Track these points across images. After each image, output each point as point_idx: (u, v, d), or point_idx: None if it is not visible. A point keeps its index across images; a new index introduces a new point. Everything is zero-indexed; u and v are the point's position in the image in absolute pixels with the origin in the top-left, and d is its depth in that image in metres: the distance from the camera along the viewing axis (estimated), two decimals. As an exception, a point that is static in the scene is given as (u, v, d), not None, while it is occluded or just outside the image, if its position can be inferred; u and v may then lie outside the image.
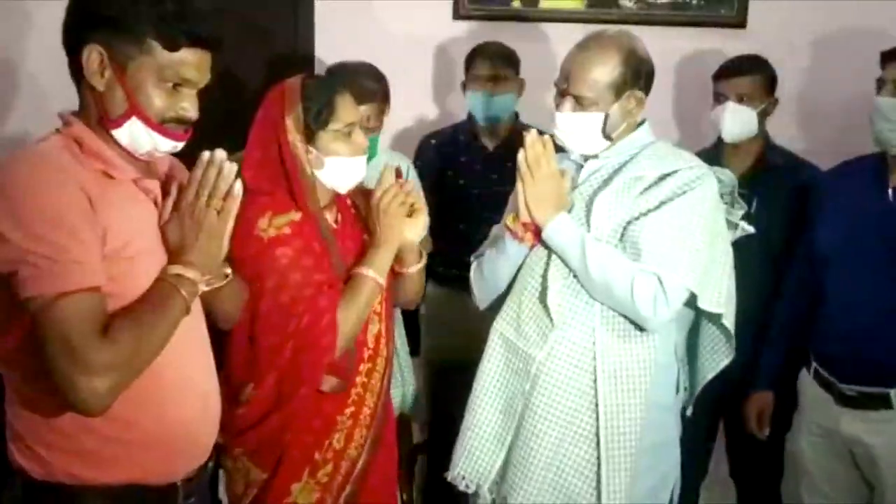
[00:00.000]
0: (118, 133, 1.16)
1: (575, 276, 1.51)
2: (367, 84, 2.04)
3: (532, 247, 1.57)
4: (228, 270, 1.31)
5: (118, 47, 1.13)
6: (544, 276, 1.54)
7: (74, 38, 1.14)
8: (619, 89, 1.52)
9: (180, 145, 1.21)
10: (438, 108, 2.64)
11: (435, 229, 2.24)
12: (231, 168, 1.17)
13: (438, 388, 2.36)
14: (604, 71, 1.51)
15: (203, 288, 1.21)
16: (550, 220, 1.51)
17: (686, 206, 1.48)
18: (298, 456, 1.49)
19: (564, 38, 2.48)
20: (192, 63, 1.15)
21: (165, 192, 1.22)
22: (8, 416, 1.19)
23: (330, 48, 2.55)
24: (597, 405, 1.50)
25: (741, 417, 2.08)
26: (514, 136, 2.32)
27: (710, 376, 1.65)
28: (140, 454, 1.17)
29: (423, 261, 1.65)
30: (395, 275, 1.61)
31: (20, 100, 2.52)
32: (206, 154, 1.17)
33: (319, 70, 2.52)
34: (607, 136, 1.55)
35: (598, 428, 1.50)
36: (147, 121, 1.15)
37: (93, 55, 1.13)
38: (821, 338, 1.86)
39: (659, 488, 1.60)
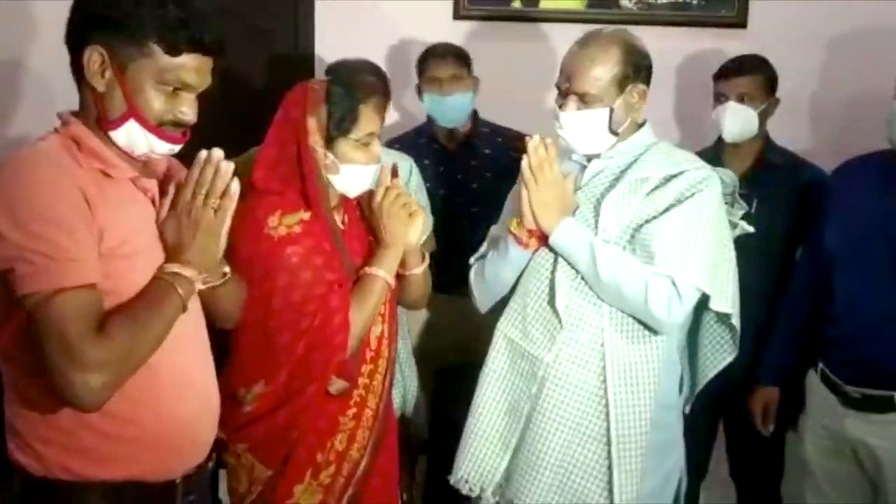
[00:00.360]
0: (115, 134, 1.17)
1: (583, 278, 1.51)
2: (366, 85, 2.03)
3: (536, 251, 1.57)
4: (227, 269, 1.31)
5: (119, 49, 1.13)
6: (552, 278, 1.54)
7: (77, 38, 1.15)
8: (621, 84, 1.52)
9: (177, 148, 1.21)
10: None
11: None
12: (228, 167, 1.17)
13: (434, 389, 2.36)
14: (606, 67, 1.52)
15: (200, 286, 1.21)
16: (557, 226, 1.50)
17: (695, 208, 1.49)
18: (302, 456, 1.49)
19: (565, 38, 2.47)
20: (193, 68, 1.16)
21: (163, 191, 1.22)
22: (7, 414, 1.19)
23: (330, 48, 2.55)
24: (606, 406, 1.50)
25: (744, 414, 2.08)
26: (474, 135, 2.34)
27: (711, 375, 1.65)
28: (138, 451, 1.18)
29: (426, 262, 1.65)
30: (398, 277, 1.61)
31: (26, 100, 2.52)
32: (203, 153, 1.17)
33: (320, 70, 2.53)
34: (613, 132, 1.55)
35: (608, 429, 1.50)
36: (144, 123, 1.15)
37: (94, 56, 1.13)
38: (828, 339, 1.85)
39: (663, 486, 1.60)
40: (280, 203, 1.47)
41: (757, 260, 1.84)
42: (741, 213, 1.60)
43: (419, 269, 1.63)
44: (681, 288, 1.46)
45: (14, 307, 1.08)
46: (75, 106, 1.21)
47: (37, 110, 2.39)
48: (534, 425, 1.54)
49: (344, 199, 1.58)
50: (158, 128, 1.16)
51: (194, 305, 1.24)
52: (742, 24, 2.52)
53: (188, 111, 1.17)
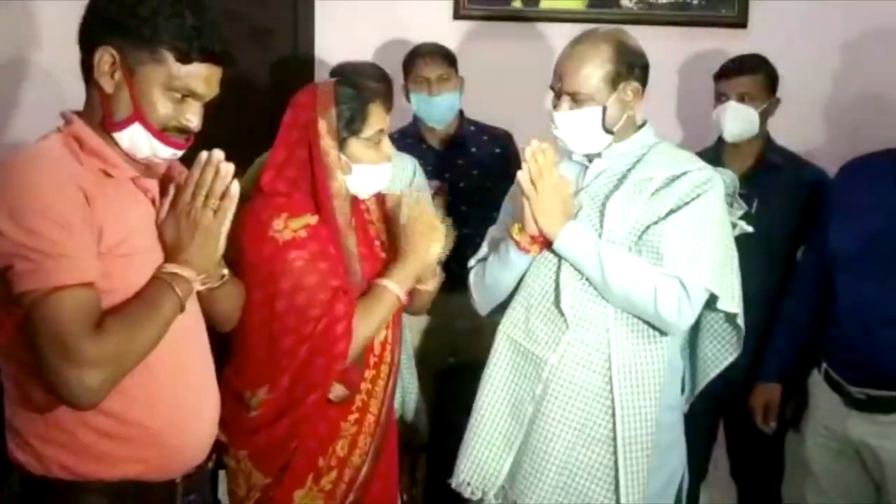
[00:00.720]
0: (119, 136, 1.17)
1: (590, 281, 1.51)
2: (372, 84, 2.04)
3: (538, 254, 1.57)
4: (225, 271, 1.31)
5: (131, 52, 1.14)
6: (556, 279, 1.53)
7: (89, 38, 1.16)
8: (613, 81, 1.52)
9: (179, 154, 1.22)
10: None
11: None
12: (228, 168, 1.17)
13: (435, 391, 2.36)
14: (595, 64, 1.51)
15: (198, 287, 1.21)
16: (561, 232, 1.49)
17: (701, 210, 1.48)
18: (303, 462, 1.48)
19: (565, 38, 2.47)
20: (202, 77, 1.17)
21: (163, 191, 1.22)
22: (6, 412, 1.20)
23: (330, 49, 2.55)
24: (612, 408, 1.49)
25: (744, 414, 2.07)
26: (460, 134, 2.35)
27: (713, 374, 1.65)
28: (138, 450, 1.18)
29: (439, 277, 1.64)
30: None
31: (29, 100, 2.52)
32: (203, 154, 1.17)
33: (320, 70, 2.53)
34: (608, 131, 1.55)
35: (613, 431, 1.49)
36: (149, 127, 1.16)
37: (105, 56, 1.14)
38: (832, 339, 1.84)
39: (666, 486, 1.60)
40: (286, 206, 1.46)
41: (757, 260, 1.83)
42: (740, 213, 1.60)
43: (431, 286, 1.62)
44: (690, 289, 1.46)
45: (12, 305, 1.09)
46: (69, 106, 1.21)
47: (38, 110, 2.41)
48: (537, 427, 1.53)
49: (352, 203, 1.55)
50: (162, 133, 1.17)
51: (193, 306, 1.24)
52: (743, 23, 2.53)
53: (193, 118, 1.18)
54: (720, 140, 2.19)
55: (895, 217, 1.74)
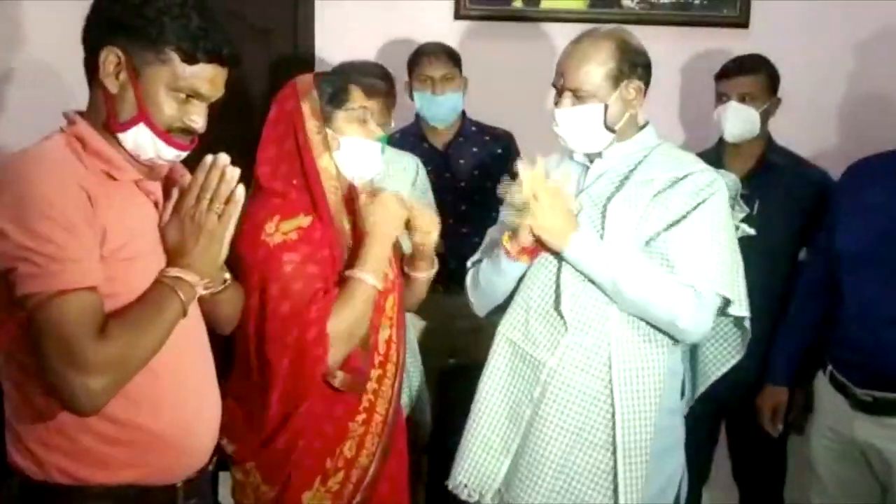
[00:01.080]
0: (124, 136, 1.16)
1: (600, 288, 1.50)
2: (375, 81, 2.04)
3: (530, 264, 1.55)
4: (227, 275, 1.30)
5: (137, 53, 1.13)
6: (557, 281, 1.52)
7: (95, 38, 1.15)
8: (615, 79, 1.51)
9: (183, 155, 1.21)
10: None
11: None
12: (234, 172, 1.16)
13: (436, 391, 2.35)
14: (598, 61, 1.51)
15: (201, 292, 1.20)
16: (569, 242, 1.47)
17: (708, 215, 1.48)
18: (310, 464, 1.47)
19: (566, 38, 2.46)
20: (208, 78, 1.16)
21: (167, 194, 1.22)
22: (7, 416, 1.19)
23: (330, 48, 2.54)
24: (611, 412, 1.48)
25: (747, 416, 2.07)
26: (462, 134, 2.34)
27: (714, 377, 1.64)
28: (139, 455, 1.17)
29: (435, 268, 1.62)
30: (405, 277, 1.59)
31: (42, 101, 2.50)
32: (209, 157, 1.16)
33: (320, 70, 2.52)
34: (609, 129, 1.54)
35: (612, 435, 1.48)
36: (153, 127, 1.15)
37: (110, 56, 1.13)
38: (837, 340, 1.83)
39: (664, 489, 1.59)
40: (280, 208, 1.45)
41: (759, 261, 1.81)
42: (742, 216, 1.59)
43: (426, 274, 1.60)
44: (704, 297, 1.46)
45: (14, 307, 1.08)
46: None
47: (37, 110, 2.39)
48: (535, 430, 1.52)
49: (348, 203, 1.54)
50: (167, 133, 1.16)
51: (194, 310, 1.24)
52: (744, 23, 2.52)
53: (198, 119, 1.17)
54: (721, 141, 2.18)
55: None
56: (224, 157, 1.16)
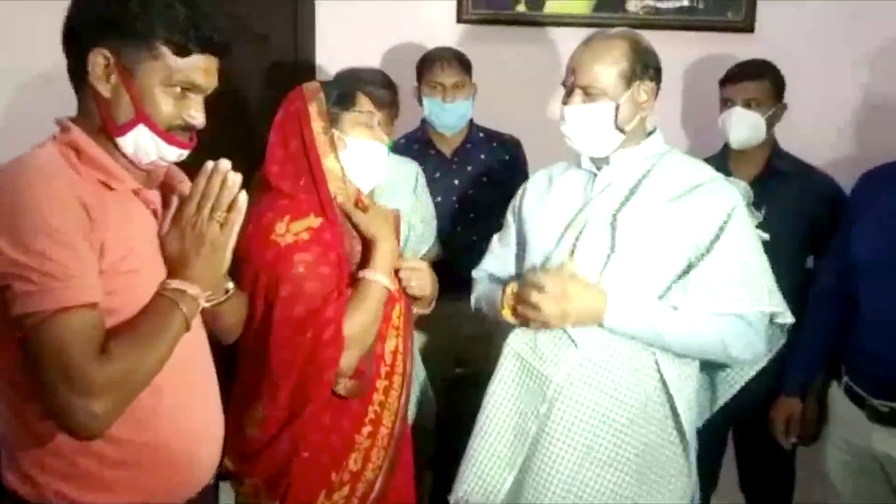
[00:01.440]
0: (123, 141, 1.12)
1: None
2: (379, 91, 2.01)
3: None
4: (231, 285, 1.27)
5: (126, 51, 1.09)
6: None
7: (79, 41, 1.10)
8: (627, 78, 1.48)
9: (185, 153, 1.17)
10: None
11: None
12: (236, 178, 1.12)
13: (441, 402, 2.32)
14: (610, 60, 1.48)
15: (204, 304, 1.16)
16: (604, 320, 1.43)
17: (738, 234, 1.46)
18: (315, 477, 1.43)
19: (570, 42, 2.45)
20: (202, 68, 1.12)
21: (165, 202, 1.18)
22: (2, 436, 1.14)
23: (331, 54, 2.51)
24: (620, 430, 1.45)
25: (755, 426, 2.04)
26: (469, 140, 2.32)
27: (739, 385, 1.60)
28: (140, 476, 1.13)
29: (433, 306, 1.61)
30: (413, 298, 1.57)
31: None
32: (209, 164, 1.13)
33: (321, 76, 2.49)
34: (620, 129, 1.50)
35: (621, 453, 1.45)
36: (154, 127, 1.11)
37: (99, 59, 1.09)
38: (853, 350, 1.79)
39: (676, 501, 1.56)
40: (289, 208, 1.43)
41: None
42: (755, 223, 1.56)
43: (424, 311, 1.59)
44: (754, 322, 1.45)
45: (10, 326, 1.03)
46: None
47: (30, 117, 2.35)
48: (541, 447, 1.49)
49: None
50: (168, 132, 1.12)
51: (196, 322, 1.20)
52: (749, 28, 2.49)
53: (197, 114, 1.13)
54: (726, 146, 2.16)
55: None
56: (225, 163, 1.12)
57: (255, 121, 2.21)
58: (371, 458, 1.48)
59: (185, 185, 1.21)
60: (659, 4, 2.53)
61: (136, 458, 1.12)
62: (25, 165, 1.08)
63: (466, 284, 1.73)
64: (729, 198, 1.49)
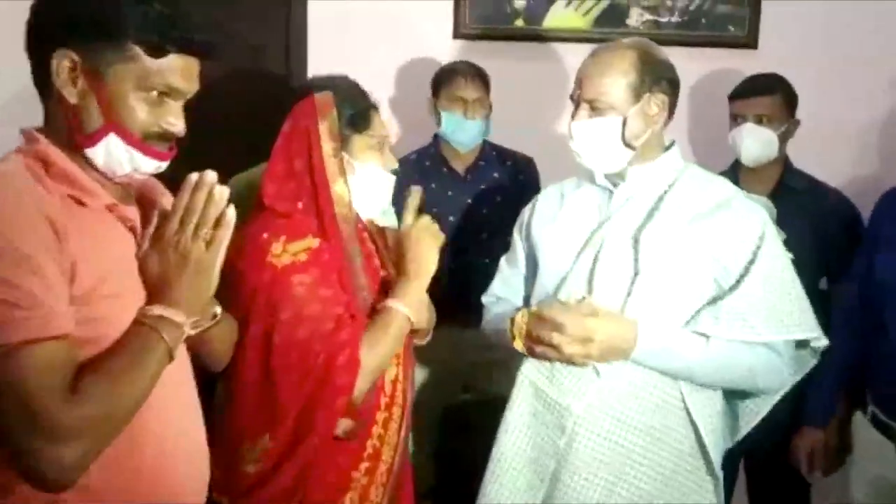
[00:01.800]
0: (93, 152, 1.01)
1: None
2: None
3: None
4: (218, 309, 1.15)
5: (94, 53, 0.98)
6: None
7: (41, 43, 1.00)
8: (636, 91, 1.40)
9: (164, 165, 1.06)
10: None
11: None
12: (222, 192, 1.01)
13: (442, 429, 2.21)
14: (618, 72, 1.39)
15: (189, 332, 1.04)
16: (634, 355, 1.35)
17: (771, 258, 1.38)
18: None
19: (569, 58, 2.41)
20: (179, 70, 1.01)
21: (145, 219, 1.06)
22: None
23: (325, 67, 2.41)
24: (648, 467, 1.36)
25: (773, 454, 1.94)
26: (483, 158, 2.26)
27: (763, 413, 1.51)
28: None
29: (429, 338, 1.52)
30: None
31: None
32: (193, 176, 1.02)
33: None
34: (628, 145, 1.42)
35: (651, 493, 1.36)
36: (127, 136, 1.00)
37: (63, 62, 0.98)
38: (880, 377, 1.71)
39: None
40: (286, 228, 1.33)
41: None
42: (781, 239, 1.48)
43: (421, 342, 1.50)
44: (781, 352, 1.39)
45: None
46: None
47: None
48: (562, 484, 1.38)
49: (357, 231, 1.43)
50: (144, 142, 1.01)
51: (181, 351, 1.08)
52: (753, 44, 2.45)
53: (176, 121, 1.03)
54: (737, 163, 2.09)
55: None
56: (211, 175, 1.01)
57: (247, 135, 2.13)
58: (369, 497, 1.37)
59: (166, 199, 1.10)
60: (660, 19, 2.47)
61: None
62: None
63: (477, 308, 1.65)
64: (758, 217, 1.41)
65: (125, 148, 1.00)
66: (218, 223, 1.01)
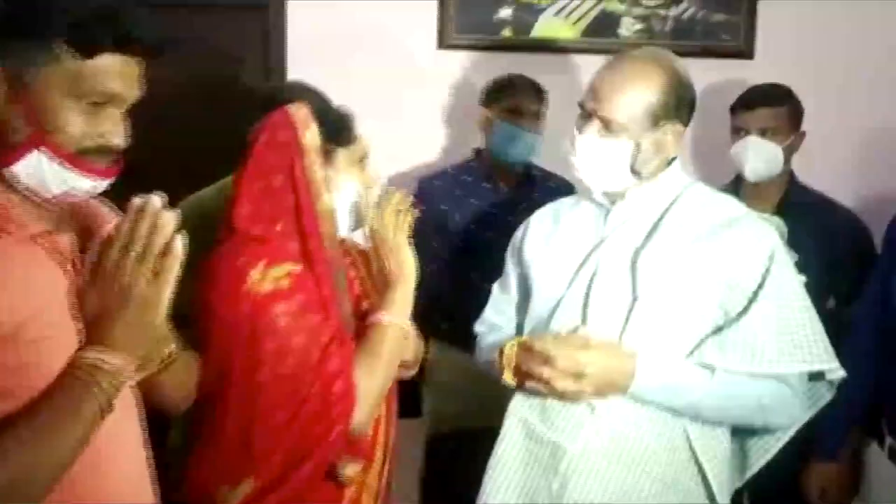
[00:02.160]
0: (16, 169, 0.88)
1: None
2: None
3: None
4: (172, 347, 1.02)
5: (16, 56, 0.86)
6: None
7: None
8: (655, 117, 1.27)
9: (104, 184, 0.92)
10: (422, 142, 2.42)
11: (442, 281, 1.99)
12: (169, 217, 0.88)
13: (439, 458, 2.10)
14: (641, 93, 1.26)
15: (131, 378, 0.91)
16: (633, 390, 1.25)
17: (781, 282, 1.27)
18: None
19: (558, 68, 2.32)
20: (115, 72, 0.89)
21: (83, 250, 0.93)
22: None
23: (305, 78, 2.31)
24: None
25: (780, 491, 1.82)
26: (528, 177, 2.19)
27: (774, 451, 1.38)
28: None
29: (414, 371, 1.41)
30: None
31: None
32: (137, 200, 0.88)
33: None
34: (635, 172, 1.30)
35: None
36: (57, 151, 0.87)
37: None
38: None
39: None
40: (265, 252, 1.20)
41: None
42: (793, 261, 1.37)
43: (409, 375, 1.39)
44: (793, 382, 1.27)
45: None
46: None
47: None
48: None
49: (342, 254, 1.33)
50: (78, 157, 0.88)
51: (126, 399, 0.95)
52: (749, 54, 2.38)
53: (114, 131, 0.90)
54: (738, 179, 1.99)
55: None
56: (156, 200, 0.87)
57: (224, 149, 2.02)
58: None
59: (108, 227, 0.96)
60: (653, 28, 2.39)
61: None
62: None
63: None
64: (767, 238, 1.30)
65: (54, 165, 0.87)
66: (166, 252, 0.88)
